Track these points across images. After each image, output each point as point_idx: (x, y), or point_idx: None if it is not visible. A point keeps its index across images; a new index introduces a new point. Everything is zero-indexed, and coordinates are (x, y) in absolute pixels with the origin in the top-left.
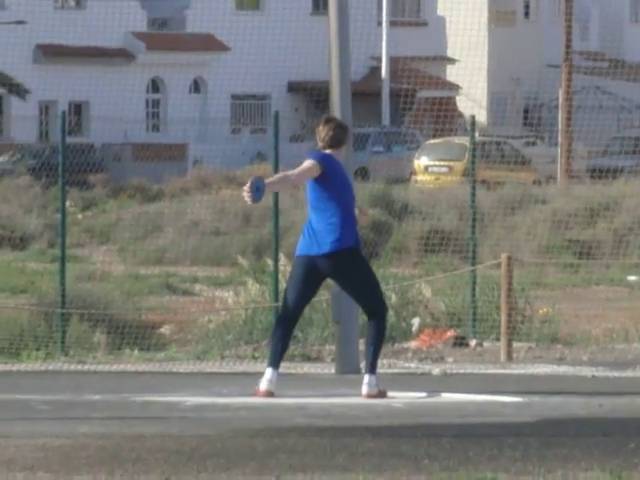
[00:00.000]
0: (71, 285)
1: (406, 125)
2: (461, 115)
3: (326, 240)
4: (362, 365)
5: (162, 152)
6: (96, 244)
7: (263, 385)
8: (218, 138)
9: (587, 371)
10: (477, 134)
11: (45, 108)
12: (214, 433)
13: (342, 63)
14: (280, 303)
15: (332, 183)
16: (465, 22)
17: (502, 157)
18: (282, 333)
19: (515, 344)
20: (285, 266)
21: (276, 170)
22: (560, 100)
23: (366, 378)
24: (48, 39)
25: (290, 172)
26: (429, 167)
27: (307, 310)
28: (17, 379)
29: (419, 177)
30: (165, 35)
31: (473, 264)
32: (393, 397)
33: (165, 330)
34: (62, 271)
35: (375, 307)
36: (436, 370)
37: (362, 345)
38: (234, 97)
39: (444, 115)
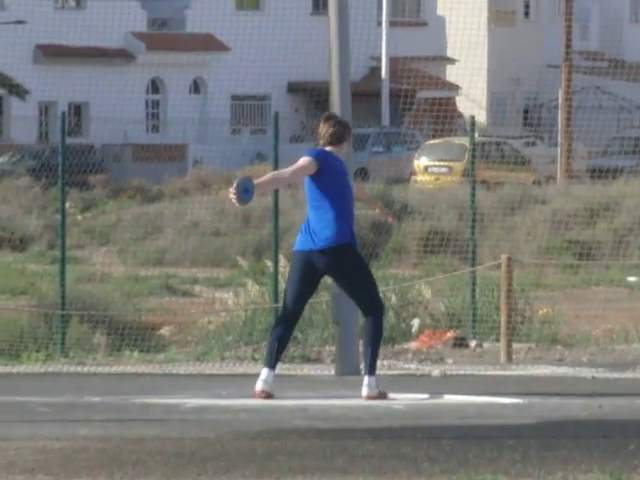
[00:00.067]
0: (71, 286)
1: (406, 125)
2: (461, 115)
3: (320, 236)
4: (362, 366)
5: (162, 153)
6: (96, 245)
7: (258, 385)
8: (218, 139)
9: (587, 372)
10: (477, 134)
11: (45, 109)
12: (214, 435)
13: (342, 63)
14: (281, 304)
15: (328, 180)
16: (465, 22)
17: (502, 157)
18: (280, 332)
19: (515, 345)
20: (285, 267)
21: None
22: (560, 100)
23: (366, 379)
24: (48, 39)
25: (283, 170)
26: (429, 167)
27: (307, 311)
28: (17, 381)
29: (419, 177)
30: (165, 35)
31: (473, 265)
32: (394, 399)
33: (165, 331)
34: (62, 272)
35: (371, 305)
36: (436, 371)
37: (362, 346)
38: (234, 97)
39: (444, 115)
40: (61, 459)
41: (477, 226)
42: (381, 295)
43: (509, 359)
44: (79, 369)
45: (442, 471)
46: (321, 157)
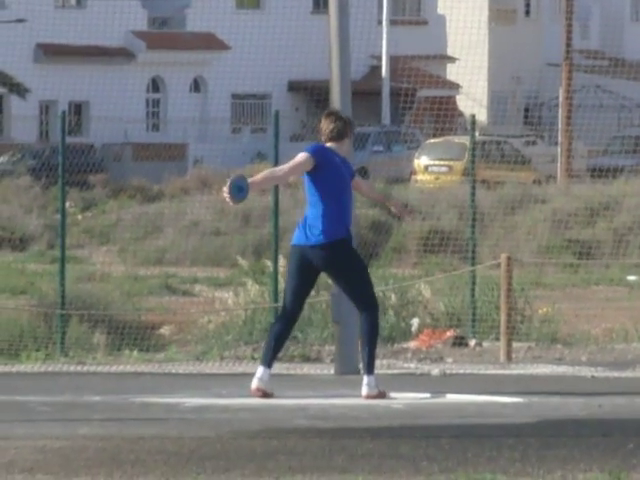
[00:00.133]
0: (71, 286)
1: (406, 124)
2: (461, 114)
3: (314, 231)
4: (361, 366)
5: (162, 152)
6: (96, 245)
7: (254, 383)
8: (218, 138)
9: (586, 371)
10: (477, 133)
11: (45, 108)
12: (213, 434)
13: (342, 62)
14: (281, 303)
15: (326, 176)
16: (465, 21)
17: (502, 156)
18: (278, 331)
19: (514, 344)
20: (285, 267)
21: None
22: (560, 99)
23: (365, 379)
24: (48, 38)
25: (279, 167)
26: (429, 167)
27: (307, 310)
28: (16, 380)
29: (419, 177)
30: (165, 34)
31: (473, 264)
32: (393, 398)
33: (165, 331)
34: (62, 272)
35: (365, 302)
36: (435, 370)
37: (359, 346)
38: (234, 96)
39: (444, 114)
40: (60, 458)
41: (477, 225)
42: (377, 293)
43: (509, 358)
44: (79, 368)
45: (441, 470)
46: (319, 153)
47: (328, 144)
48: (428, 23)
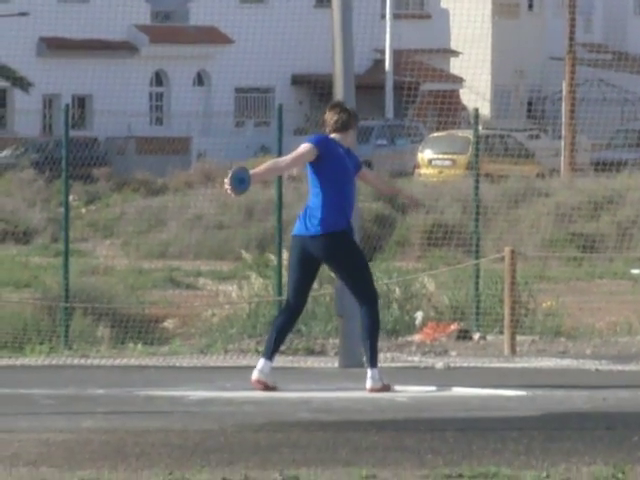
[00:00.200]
0: (75, 279)
1: (410, 118)
2: (465, 108)
3: (314, 222)
4: (364, 359)
5: (166, 145)
6: (100, 238)
7: (254, 375)
8: (222, 131)
9: (591, 364)
10: (480, 127)
11: (49, 101)
12: (217, 427)
13: (346, 56)
14: (284, 297)
15: (328, 166)
16: (469, 14)
17: (506, 150)
18: (281, 323)
19: (518, 337)
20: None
21: None
22: (564, 93)
23: (369, 372)
24: (52, 32)
25: (281, 158)
26: (433, 160)
27: (310, 304)
28: (21, 373)
29: (423, 170)
30: (169, 28)
31: (476, 258)
32: (398, 391)
33: (168, 324)
34: (66, 265)
35: (365, 295)
36: (439, 364)
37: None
38: (238, 90)
39: (447, 108)
40: (64, 451)
41: (481, 219)
42: (381, 287)
43: (513, 351)
44: (83, 361)
45: (445, 463)
46: (322, 143)
47: (332, 135)
48: (431, 17)
